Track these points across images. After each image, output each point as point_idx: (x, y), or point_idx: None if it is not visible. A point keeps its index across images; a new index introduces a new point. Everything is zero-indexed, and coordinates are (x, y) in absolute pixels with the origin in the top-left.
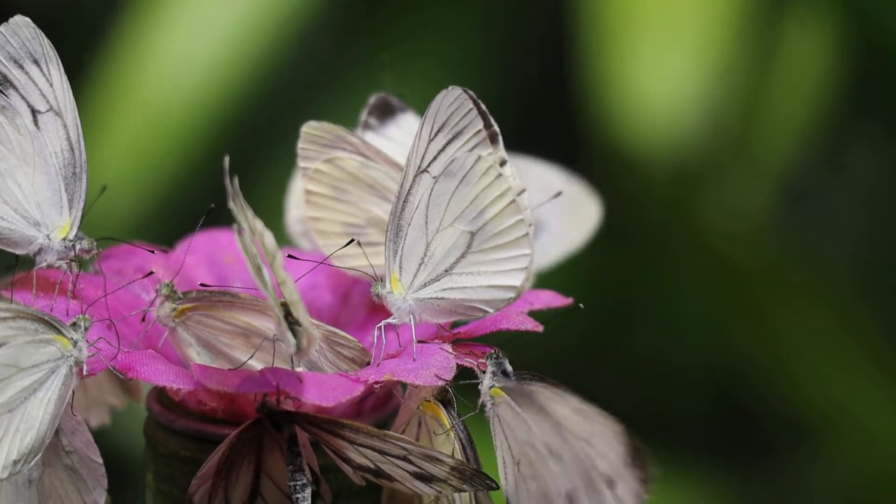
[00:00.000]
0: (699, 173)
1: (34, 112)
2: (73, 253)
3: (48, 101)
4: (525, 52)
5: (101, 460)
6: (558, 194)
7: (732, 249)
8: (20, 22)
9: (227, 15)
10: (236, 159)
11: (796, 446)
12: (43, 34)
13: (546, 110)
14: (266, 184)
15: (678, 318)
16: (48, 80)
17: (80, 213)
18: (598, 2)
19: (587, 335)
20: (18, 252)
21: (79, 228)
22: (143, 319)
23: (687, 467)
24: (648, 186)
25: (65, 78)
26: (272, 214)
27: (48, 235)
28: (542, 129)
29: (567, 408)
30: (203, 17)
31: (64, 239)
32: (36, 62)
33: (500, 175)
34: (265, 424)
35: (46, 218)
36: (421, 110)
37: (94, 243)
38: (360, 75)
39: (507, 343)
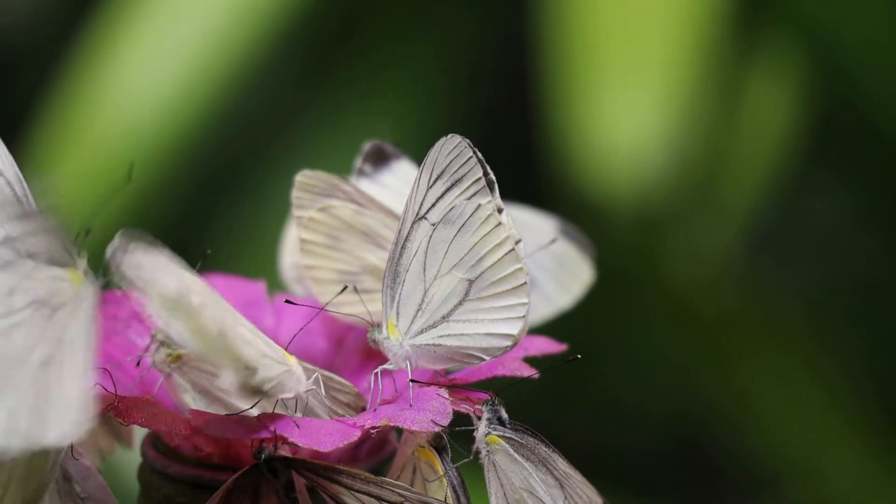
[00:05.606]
0: (664, 219)
1: None
2: None
3: None
4: (487, 93)
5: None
6: (554, 241)
7: (696, 294)
8: None
9: (184, 51)
10: (191, 196)
11: (758, 492)
12: None
13: (509, 153)
14: (223, 219)
15: (641, 362)
16: None
17: None
18: (563, 44)
19: (550, 378)
20: None
21: None
22: (139, 365)
23: None
24: (612, 231)
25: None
26: (231, 249)
27: None
28: (504, 172)
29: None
30: (159, 53)
31: None
32: None
33: (499, 223)
34: (262, 470)
35: None
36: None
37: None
38: (320, 114)
39: (502, 391)
